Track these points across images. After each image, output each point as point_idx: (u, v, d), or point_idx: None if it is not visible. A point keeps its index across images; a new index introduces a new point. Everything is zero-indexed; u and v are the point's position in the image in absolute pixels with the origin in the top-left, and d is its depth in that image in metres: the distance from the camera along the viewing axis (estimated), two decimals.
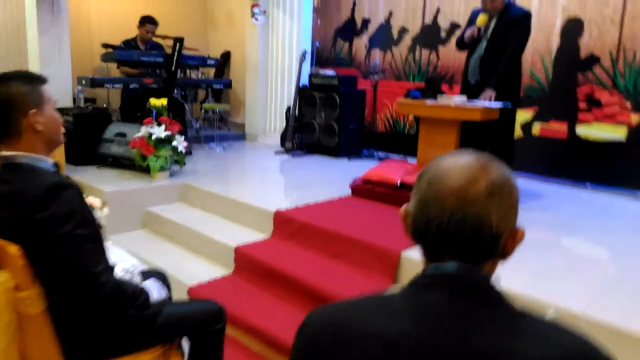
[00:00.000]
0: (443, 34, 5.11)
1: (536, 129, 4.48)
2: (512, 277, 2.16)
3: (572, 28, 4.26)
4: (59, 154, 3.78)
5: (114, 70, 5.62)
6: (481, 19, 3.50)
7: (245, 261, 2.96)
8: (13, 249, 1.32)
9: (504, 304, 0.75)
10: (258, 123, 6.42)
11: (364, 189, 3.65)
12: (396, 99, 3.98)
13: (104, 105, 5.67)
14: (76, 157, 4.22)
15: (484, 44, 3.59)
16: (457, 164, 0.78)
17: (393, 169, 3.72)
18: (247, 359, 2.38)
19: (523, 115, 4.49)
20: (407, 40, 5.44)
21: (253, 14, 6.04)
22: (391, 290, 0.82)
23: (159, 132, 3.85)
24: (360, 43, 5.87)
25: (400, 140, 5.46)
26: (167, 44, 5.39)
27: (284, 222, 3.17)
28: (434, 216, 0.76)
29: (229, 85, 6.09)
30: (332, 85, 5.37)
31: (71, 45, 4.99)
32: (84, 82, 4.57)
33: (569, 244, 2.96)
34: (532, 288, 2.18)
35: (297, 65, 5.63)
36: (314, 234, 3.00)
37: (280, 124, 5.92)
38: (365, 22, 5.80)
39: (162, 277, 1.92)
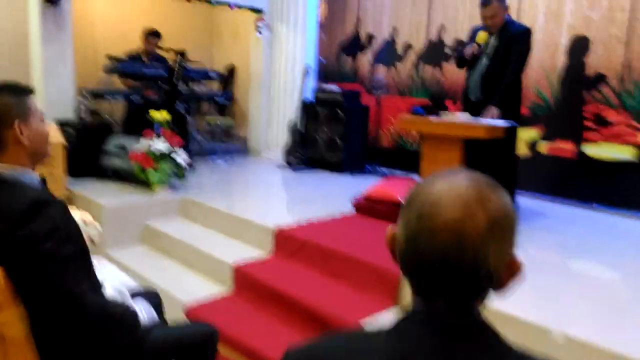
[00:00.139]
0: (447, 51, 5.09)
1: (542, 147, 4.42)
2: (515, 301, 2.08)
3: (578, 46, 4.22)
4: (59, 166, 3.75)
5: (118, 82, 5.62)
6: (481, 36, 3.48)
7: (245, 280, 2.89)
8: None
9: (499, 346, 0.69)
10: (261, 137, 6.39)
11: (366, 207, 3.59)
12: (400, 115, 3.94)
13: (107, 117, 5.66)
14: (77, 169, 4.18)
15: (484, 61, 3.56)
16: (451, 192, 0.68)
17: (395, 187, 3.66)
18: None
19: (529, 134, 4.43)
20: (411, 56, 5.42)
21: (257, 28, 6.05)
22: (377, 325, 0.76)
23: (159, 145, 3.82)
24: (365, 59, 5.86)
25: (405, 156, 5.41)
26: (172, 57, 5.39)
27: (284, 240, 3.11)
28: (425, 255, 0.68)
29: (231, 98, 6.07)
30: (336, 100, 5.34)
31: (76, 57, 4.99)
32: (85, 93, 4.56)
33: (576, 265, 2.88)
34: (536, 312, 2.11)
35: (301, 80, 5.61)
36: (315, 252, 2.93)
37: (283, 138, 5.89)
38: (370, 38, 5.79)
39: (154, 297, 1.86)
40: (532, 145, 4.47)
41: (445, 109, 3.79)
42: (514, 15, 4.43)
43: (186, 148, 4.51)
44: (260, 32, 6.06)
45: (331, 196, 4.16)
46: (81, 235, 1.46)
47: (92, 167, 4.24)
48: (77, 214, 1.89)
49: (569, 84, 4.29)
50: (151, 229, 3.64)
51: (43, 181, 1.51)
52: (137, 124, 4.47)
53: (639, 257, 3.01)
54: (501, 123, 3.36)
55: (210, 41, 7.66)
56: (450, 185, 0.70)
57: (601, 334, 1.97)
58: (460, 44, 4.87)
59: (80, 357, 1.42)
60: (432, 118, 3.56)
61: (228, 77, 7.33)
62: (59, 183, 3.77)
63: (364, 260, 2.69)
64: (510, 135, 3.46)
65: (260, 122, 6.36)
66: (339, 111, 5.25)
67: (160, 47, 5.52)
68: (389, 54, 5.61)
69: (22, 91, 1.47)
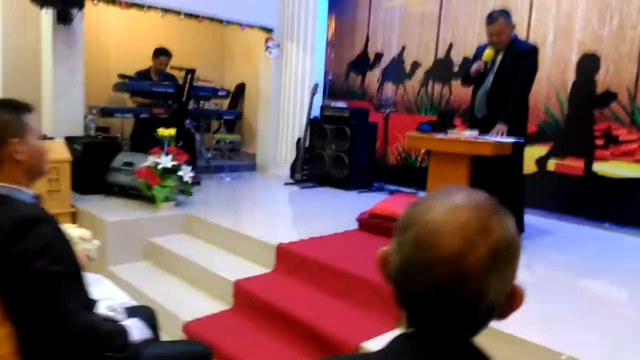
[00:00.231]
0: (456, 68, 5.08)
1: (551, 165, 4.35)
2: (522, 321, 2.02)
3: (588, 63, 4.18)
4: (65, 182, 3.77)
5: (129, 100, 5.69)
6: (488, 53, 3.45)
7: (245, 296, 2.85)
8: None
9: None
10: (269, 154, 6.40)
11: (371, 224, 3.54)
12: (407, 132, 3.91)
13: (117, 135, 5.72)
14: (83, 186, 4.20)
15: (490, 78, 3.53)
16: (451, 221, 0.62)
17: (401, 204, 3.61)
18: None
19: (538, 151, 4.38)
20: (419, 74, 5.41)
21: (267, 47, 6.11)
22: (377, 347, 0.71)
23: (165, 161, 3.83)
24: (373, 76, 5.87)
25: (412, 173, 5.37)
26: (182, 75, 5.45)
27: (286, 256, 3.08)
28: (420, 287, 0.63)
29: (239, 116, 6.11)
30: (343, 117, 5.34)
31: (89, 75, 5.07)
32: (94, 111, 4.61)
33: (585, 286, 2.80)
34: (545, 335, 2.03)
35: (309, 98, 5.63)
36: (317, 269, 2.89)
37: (291, 155, 5.89)
38: (379, 56, 5.81)
39: (149, 315, 1.83)
40: (541, 163, 4.40)
41: (453, 126, 3.75)
42: (523, 32, 4.41)
43: (193, 165, 4.53)
44: (270, 52, 6.11)
45: (337, 213, 4.13)
46: (73, 253, 1.44)
47: (98, 184, 4.26)
48: (74, 231, 1.88)
49: (578, 101, 4.24)
50: (153, 245, 3.63)
51: (37, 198, 1.50)
52: (145, 141, 4.51)
53: None
54: (508, 140, 3.32)
55: (222, 60, 7.76)
56: (450, 213, 0.64)
57: (610, 356, 1.89)
58: (469, 63, 4.86)
59: None
60: (439, 135, 3.53)
61: (237, 95, 7.39)
62: (64, 199, 3.79)
63: (366, 279, 2.64)
64: (517, 152, 3.41)
65: (268, 139, 6.38)
66: (346, 128, 5.24)
67: (172, 67, 5.59)
68: (397, 71, 5.62)
69: (19, 108, 1.47)
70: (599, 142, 4.11)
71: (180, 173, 3.89)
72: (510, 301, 0.67)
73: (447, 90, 5.18)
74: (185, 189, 4.01)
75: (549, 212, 4.27)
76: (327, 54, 6.28)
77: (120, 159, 4.30)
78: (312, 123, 5.53)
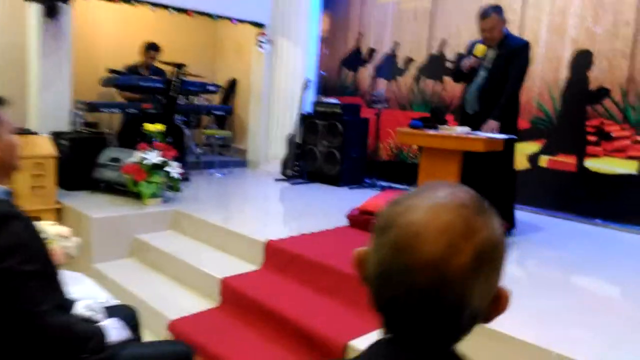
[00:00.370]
0: (448, 65, 5.04)
1: (544, 161, 4.33)
2: (514, 321, 1.98)
3: (581, 60, 4.15)
4: (50, 178, 3.70)
5: (120, 95, 5.60)
6: (479, 48, 3.42)
7: (232, 294, 2.80)
8: None
9: None
10: (260, 150, 6.34)
11: (361, 220, 3.50)
12: (399, 128, 3.87)
13: (106, 130, 5.63)
14: (70, 182, 4.12)
15: (483, 75, 3.49)
16: (434, 223, 0.58)
17: None
18: None
19: (530, 147, 4.35)
20: (412, 70, 5.37)
21: (258, 43, 6.04)
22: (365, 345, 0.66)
23: (152, 157, 3.76)
24: (366, 72, 5.83)
25: (404, 169, 5.34)
26: (171, 70, 5.37)
27: (275, 253, 3.03)
28: (400, 292, 0.59)
29: (229, 111, 6.04)
30: (334, 113, 5.29)
31: (77, 70, 4.98)
32: (81, 106, 4.53)
33: (577, 282, 2.78)
34: (536, 333, 2.00)
35: (300, 93, 5.57)
36: (305, 266, 2.84)
37: (282, 151, 5.84)
38: (371, 52, 5.76)
39: (130, 314, 1.78)
40: (534, 159, 4.38)
41: (445, 122, 3.71)
42: (516, 29, 4.38)
43: (182, 160, 4.46)
44: (261, 47, 6.05)
45: (328, 209, 4.08)
46: (47, 251, 1.39)
47: (85, 180, 4.18)
48: (52, 228, 1.82)
49: (571, 97, 4.22)
50: (140, 242, 3.57)
51: (10, 194, 1.44)
52: (133, 137, 4.43)
53: None
54: (499, 136, 3.29)
55: (213, 55, 7.67)
56: (432, 213, 0.59)
57: (602, 351, 1.86)
58: (459, 58, 4.83)
59: None
60: (430, 131, 3.49)
61: (229, 91, 7.32)
62: (49, 195, 3.71)
63: (354, 276, 2.59)
64: (508, 148, 3.39)
65: (259, 134, 6.32)
66: (338, 124, 5.19)
67: (162, 61, 5.51)
68: (389, 67, 5.57)
69: None
70: (592, 138, 4.09)
71: (168, 169, 3.82)
72: (495, 305, 0.63)
73: (439, 87, 5.15)
74: (173, 185, 3.94)
75: (541, 209, 4.25)
76: (320, 50, 6.22)
77: (107, 154, 4.23)
78: (304, 119, 5.48)
